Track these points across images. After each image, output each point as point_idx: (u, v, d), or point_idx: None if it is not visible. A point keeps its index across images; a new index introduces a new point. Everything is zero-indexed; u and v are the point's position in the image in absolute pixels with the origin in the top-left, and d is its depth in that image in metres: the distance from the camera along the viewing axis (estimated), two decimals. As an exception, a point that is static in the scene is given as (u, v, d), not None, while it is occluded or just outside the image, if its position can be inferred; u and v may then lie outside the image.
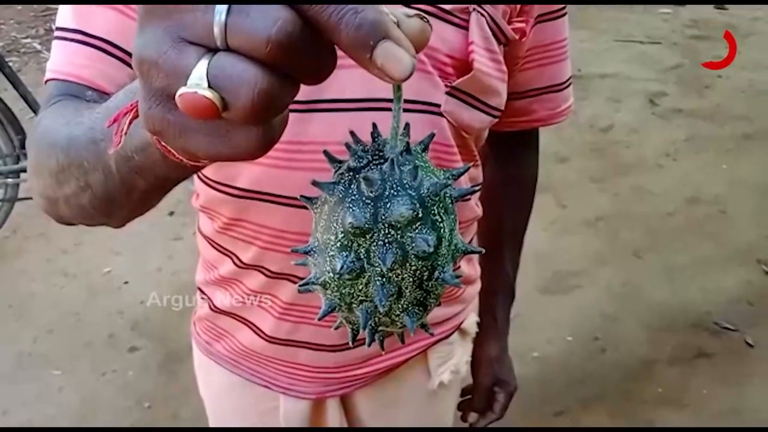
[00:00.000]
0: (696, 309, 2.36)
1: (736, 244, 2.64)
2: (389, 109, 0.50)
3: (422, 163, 0.36)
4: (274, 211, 0.69)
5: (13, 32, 4.63)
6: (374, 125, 0.37)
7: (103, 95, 0.59)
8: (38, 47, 4.40)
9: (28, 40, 4.51)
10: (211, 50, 0.28)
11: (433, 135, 0.39)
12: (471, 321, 0.94)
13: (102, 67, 0.60)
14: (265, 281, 0.76)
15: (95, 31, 0.61)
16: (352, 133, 0.37)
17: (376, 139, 0.37)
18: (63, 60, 0.62)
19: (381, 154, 0.36)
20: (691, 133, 3.41)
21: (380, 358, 0.83)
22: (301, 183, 0.65)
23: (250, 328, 0.81)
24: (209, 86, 0.27)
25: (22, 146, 2.43)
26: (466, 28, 0.66)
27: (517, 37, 0.72)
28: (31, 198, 2.40)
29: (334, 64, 0.30)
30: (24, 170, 2.45)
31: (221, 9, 0.27)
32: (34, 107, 2.44)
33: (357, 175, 0.35)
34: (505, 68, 0.72)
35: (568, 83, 0.85)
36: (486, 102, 0.71)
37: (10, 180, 2.48)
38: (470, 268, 0.90)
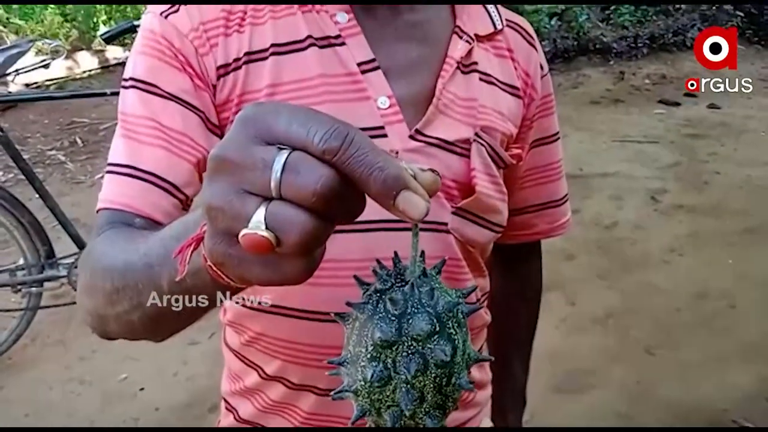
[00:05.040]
0: (712, 407, 2.32)
1: (748, 339, 2.63)
2: (399, 229, 0.57)
3: (437, 285, 0.43)
4: (296, 325, 0.74)
5: (39, 144, 4.85)
6: (396, 253, 0.45)
7: (150, 222, 0.66)
8: (62, 158, 4.60)
9: (53, 152, 4.71)
10: (267, 199, 0.35)
11: (444, 261, 0.46)
12: (485, 425, 0.96)
13: (150, 197, 0.67)
14: (287, 392, 0.80)
15: (144, 167, 0.68)
16: (378, 261, 0.45)
17: (397, 265, 0.44)
18: (115, 191, 0.68)
19: (402, 277, 0.43)
20: (694, 228, 3.48)
21: None
22: (320, 298, 0.71)
23: None
24: (266, 227, 0.35)
25: (47, 256, 2.50)
26: (468, 156, 0.75)
27: (514, 162, 0.81)
28: (51, 306, 2.49)
29: (363, 207, 0.38)
30: (47, 279, 2.51)
31: (277, 168, 0.35)
32: (60, 219, 2.51)
33: (383, 296, 0.41)
34: (504, 189, 0.80)
35: (565, 200, 0.94)
36: (488, 219, 0.79)
37: (33, 289, 2.53)
38: (482, 373, 0.94)
